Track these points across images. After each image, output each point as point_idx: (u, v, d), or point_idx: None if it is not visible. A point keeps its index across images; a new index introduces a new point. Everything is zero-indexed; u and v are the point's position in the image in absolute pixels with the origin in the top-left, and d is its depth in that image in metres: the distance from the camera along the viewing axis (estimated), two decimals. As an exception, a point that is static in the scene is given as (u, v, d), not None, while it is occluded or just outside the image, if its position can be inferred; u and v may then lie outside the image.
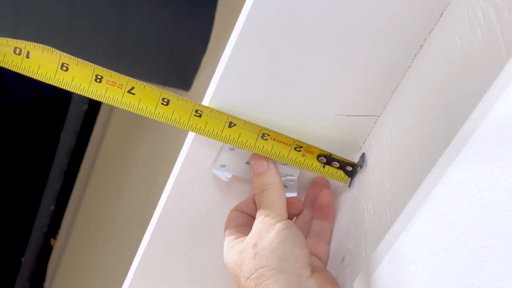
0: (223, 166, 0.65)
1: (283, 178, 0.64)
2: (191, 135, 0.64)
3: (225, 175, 0.65)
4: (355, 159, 0.64)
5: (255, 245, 0.58)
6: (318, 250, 0.64)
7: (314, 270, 0.58)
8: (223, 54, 0.58)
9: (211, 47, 1.57)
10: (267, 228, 0.58)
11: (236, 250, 0.60)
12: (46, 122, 2.50)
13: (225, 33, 1.49)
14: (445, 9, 0.56)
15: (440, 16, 0.56)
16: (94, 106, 2.39)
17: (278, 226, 0.58)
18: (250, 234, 0.60)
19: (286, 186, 0.65)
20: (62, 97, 2.34)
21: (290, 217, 0.65)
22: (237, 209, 0.65)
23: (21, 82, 2.41)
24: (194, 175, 0.66)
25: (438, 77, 0.55)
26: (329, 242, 0.65)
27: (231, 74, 0.59)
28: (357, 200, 0.63)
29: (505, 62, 0.46)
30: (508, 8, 0.47)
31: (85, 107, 2.28)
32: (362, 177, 0.63)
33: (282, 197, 0.61)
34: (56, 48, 0.57)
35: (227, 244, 0.62)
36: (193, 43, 1.56)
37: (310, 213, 0.66)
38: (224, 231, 0.64)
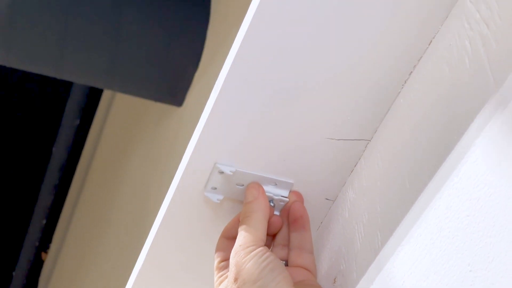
0: (214, 188, 0.66)
1: (275, 197, 0.65)
2: (185, 157, 0.64)
3: (216, 197, 0.66)
4: (346, 183, 0.65)
5: (236, 280, 0.59)
6: (303, 262, 0.65)
7: None
8: (218, 77, 0.59)
9: (203, 62, 1.58)
10: (243, 258, 0.59)
11: (222, 286, 0.62)
12: (38, 136, 2.50)
13: (217, 49, 1.50)
14: (433, 37, 0.57)
15: (429, 44, 0.57)
16: (86, 121, 2.39)
17: (254, 255, 0.59)
18: (230, 267, 0.60)
19: (274, 205, 0.66)
20: (54, 111, 2.34)
21: (270, 235, 0.66)
22: (224, 236, 0.66)
23: (12, 97, 2.41)
24: (187, 197, 0.67)
25: (428, 104, 0.56)
26: (311, 252, 0.65)
27: (226, 99, 0.60)
28: (348, 222, 0.64)
29: (492, 91, 0.48)
30: (494, 39, 0.49)
31: (77, 121, 2.28)
32: (354, 200, 0.64)
33: (262, 224, 0.62)
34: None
35: (215, 280, 0.64)
36: (185, 59, 1.57)
37: (287, 227, 0.67)
38: (214, 260, 0.66)
